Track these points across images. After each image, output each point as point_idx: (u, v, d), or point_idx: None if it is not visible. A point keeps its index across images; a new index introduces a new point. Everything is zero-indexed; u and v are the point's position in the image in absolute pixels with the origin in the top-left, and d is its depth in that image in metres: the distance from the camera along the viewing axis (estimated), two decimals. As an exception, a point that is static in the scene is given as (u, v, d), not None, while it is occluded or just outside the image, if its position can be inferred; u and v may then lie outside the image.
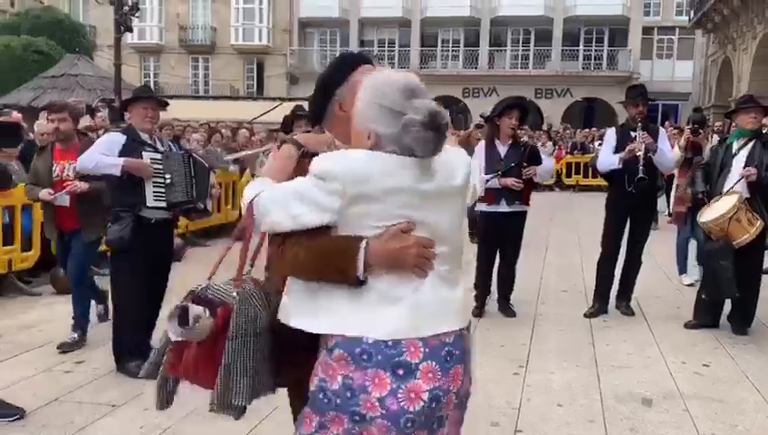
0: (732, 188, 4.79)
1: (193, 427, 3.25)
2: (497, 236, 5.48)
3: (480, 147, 5.57)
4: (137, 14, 15.17)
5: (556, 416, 3.52)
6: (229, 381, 1.71)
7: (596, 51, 31.41)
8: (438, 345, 1.66)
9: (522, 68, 31.76)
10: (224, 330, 1.71)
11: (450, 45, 32.60)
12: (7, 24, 24.05)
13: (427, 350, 1.64)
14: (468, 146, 9.44)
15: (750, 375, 4.16)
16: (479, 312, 5.45)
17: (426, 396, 1.62)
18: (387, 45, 32.92)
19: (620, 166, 5.24)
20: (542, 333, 5.04)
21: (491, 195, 5.33)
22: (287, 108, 19.51)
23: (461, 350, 1.70)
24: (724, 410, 3.64)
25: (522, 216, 5.48)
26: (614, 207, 5.48)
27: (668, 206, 8.57)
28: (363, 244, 1.60)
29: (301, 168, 1.75)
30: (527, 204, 5.47)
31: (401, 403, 1.60)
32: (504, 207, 5.34)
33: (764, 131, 5.30)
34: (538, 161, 5.44)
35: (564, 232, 9.55)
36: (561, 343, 4.80)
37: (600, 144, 10.44)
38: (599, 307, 5.46)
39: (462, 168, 1.74)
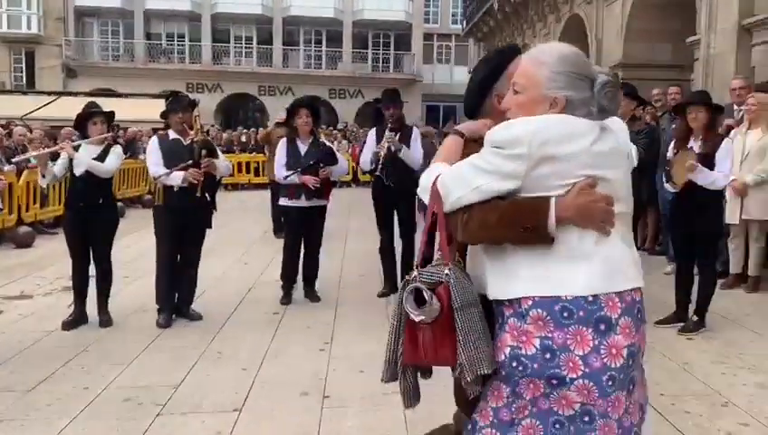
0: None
1: None
2: (300, 229, 5.83)
3: (282, 144, 5.88)
4: None
5: (359, 380, 3.96)
6: (470, 350, 1.71)
7: (384, 54, 33.24)
8: (631, 301, 1.70)
9: (315, 68, 32.55)
10: (449, 306, 1.73)
11: (243, 42, 32.34)
12: None
13: (623, 305, 1.67)
14: (269, 144, 9.73)
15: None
16: (287, 300, 5.78)
17: (625, 352, 1.65)
18: (176, 39, 31.69)
19: (373, 165, 5.90)
20: (343, 313, 5.50)
21: (292, 190, 5.68)
22: (66, 103, 17.94)
23: (640, 308, 1.74)
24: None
25: (321, 209, 5.87)
26: (377, 200, 6.08)
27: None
28: (553, 199, 1.66)
29: (468, 150, 1.85)
30: (327, 199, 5.89)
31: (604, 359, 1.63)
32: (303, 202, 5.70)
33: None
34: (334, 161, 5.85)
35: (361, 223, 10.22)
36: (361, 320, 5.29)
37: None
38: (389, 288, 6.06)
39: (621, 133, 1.83)
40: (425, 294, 1.73)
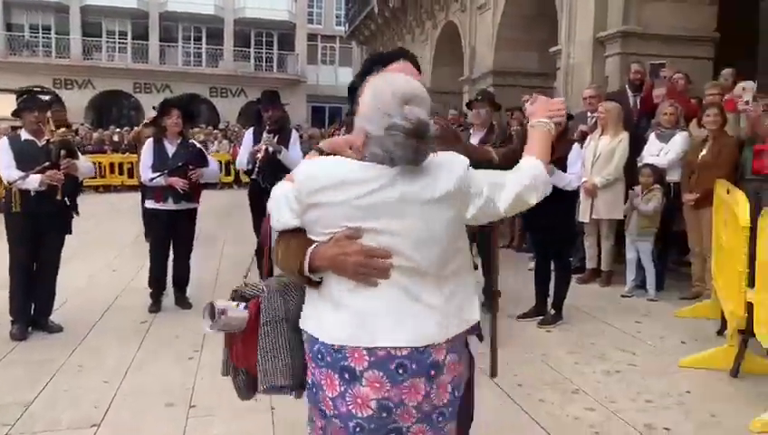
0: None
1: None
2: (167, 233, 5.63)
3: (148, 144, 5.67)
4: None
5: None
6: (267, 361, 1.83)
7: (267, 53, 32.78)
8: (386, 357, 1.63)
9: (195, 65, 31.54)
10: (256, 320, 1.85)
11: (117, 37, 30.76)
12: None
13: (372, 359, 1.63)
14: (140, 144, 9.32)
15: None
16: (156, 308, 5.57)
17: (374, 404, 1.63)
18: (41, 31, 29.62)
19: (249, 166, 5.88)
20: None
21: (158, 192, 5.49)
22: None
23: (421, 364, 1.64)
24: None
25: (191, 213, 5.69)
26: (254, 202, 6.02)
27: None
28: (312, 247, 1.68)
29: None
30: (197, 201, 5.73)
31: (350, 407, 1.65)
32: (171, 205, 5.51)
33: None
34: (204, 163, 5.67)
35: (241, 226, 10.02)
36: (234, 326, 5.20)
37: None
38: None
39: (449, 178, 1.63)
40: (216, 309, 1.83)
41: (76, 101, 27.66)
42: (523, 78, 11.70)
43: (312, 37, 34.18)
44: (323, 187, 1.64)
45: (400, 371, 1.63)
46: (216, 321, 1.84)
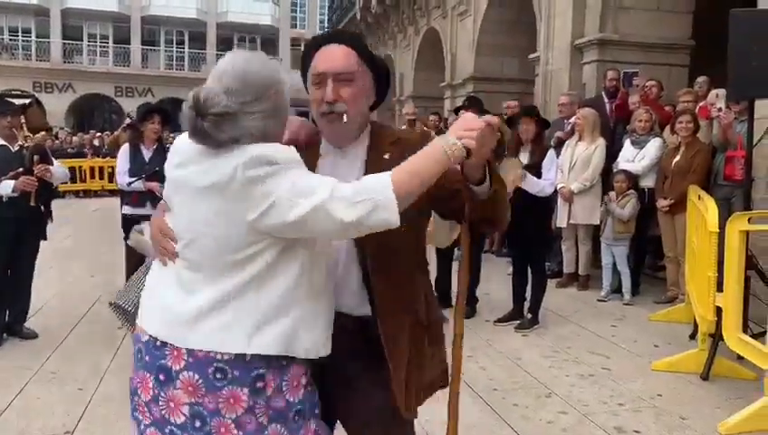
0: None
1: None
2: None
3: (124, 150, 5.65)
4: None
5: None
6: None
7: (250, 57, 32.70)
8: (138, 339, 1.62)
9: (177, 69, 31.40)
10: None
11: (98, 40, 30.54)
12: None
13: (141, 341, 1.61)
14: (118, 148, 9.28)
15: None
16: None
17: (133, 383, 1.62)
18: (21, 34, 29.34)
19: None
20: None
21: (135, 198, 5.48)
22: None
23: (153, 359, 1.55)
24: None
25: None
26: None
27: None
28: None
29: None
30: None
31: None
32: (149, 210, 5.48)
33: None
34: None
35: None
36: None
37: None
38: None
39: (225, 165, 1.46)
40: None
41: (57, 105, 27.41)
42: (503, 84, 11.79)
43: (295, 41, 34.18)
44: (171, 156, 1.63)
45: (138, 355, 1.61)
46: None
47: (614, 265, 6.32)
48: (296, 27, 34.93)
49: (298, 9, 35.51)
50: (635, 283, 6.38)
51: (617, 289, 6.35)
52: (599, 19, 8.23)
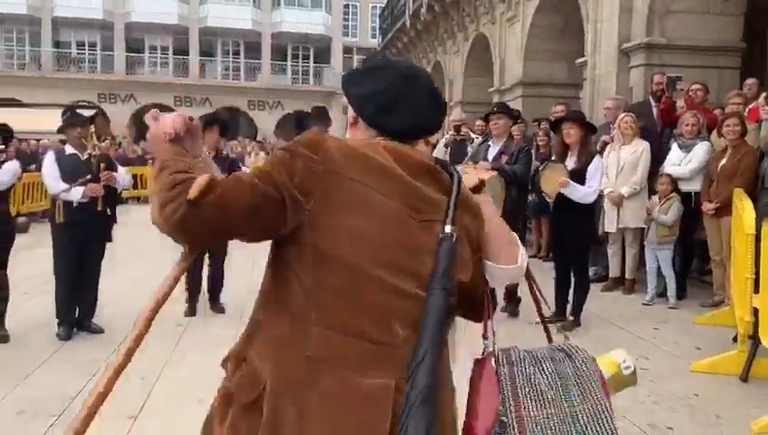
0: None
1: None
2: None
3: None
4: None
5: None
6: None
7: (303, 66, 33.42)
8: None
9: (233, 79, 32.34)
10: None
11: (159, 52, 31.75)
12: None
13: None
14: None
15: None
16: (191, 312, 5.90)
17: None
18: (87, 48, 30.76)
19: None
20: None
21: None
22: None
23: None
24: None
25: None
26: None
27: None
28: None
29: None
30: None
31: None
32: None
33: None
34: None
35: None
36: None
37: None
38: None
39: None
40: None
41: (120, 115, 28.69)
42: (552, 88, 11.80)
43: (347, 50, 34.72)
44: None
45: None
46: None
47: (659, 268, 6.32)
48: (348, 35, 35.49)
49: (350, 18, 36.06)
50: (681, 286, 6.37)
51: (662, 293, 6.35)
52: (645, 23, 8.21)
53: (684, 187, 6.31)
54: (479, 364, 1.55)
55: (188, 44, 31.53)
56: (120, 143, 19.28)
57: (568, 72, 11.71)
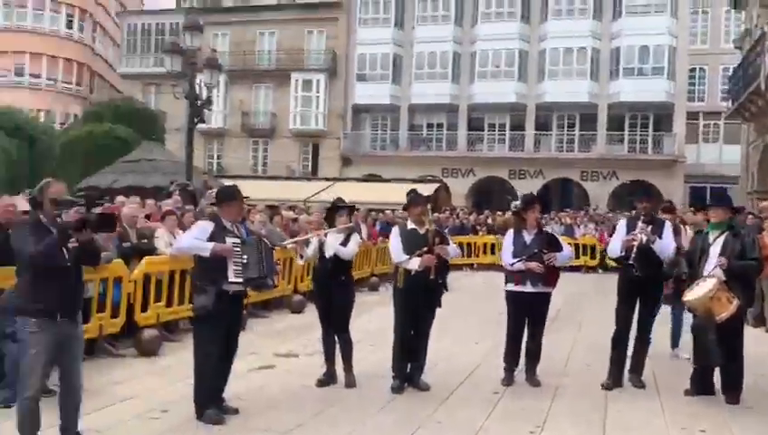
0: (711, 272, 5.54)
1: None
2: (523, 313, 6.17)
3: (509, 234, 6.36)
4: (210, 108, 16.25)
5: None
6: None
7: (641, 135, 32.07)
8: None
9: (567, 151, 32.57)
10: None
11: (497, 130, 33.78)
12: (92, 112, 26.51)
13: None
14: (505, 229, 10.23)
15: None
16: (508, 381, 6.11)
17: None
18: (435, 129, 34.31)
19: (623, 253, 5.98)
20: (560, 400, 5.65)
21: (517, 276, 6.08)
22: (340, 187, 21.18)
23: None
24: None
25: (545, 296, 6.16)
26: (622, 289, 6.14)
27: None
28: None
29: None
30: (552, 286, 6.16)
31: None
32: (529, 288, 6.05)
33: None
34: (558, 248, 6.16)
35: (600, 310, 10.06)
36: (576, 410, 5.39)
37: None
38: (614, 380, 6.02)
39: None
40: None
41: (459, 188, 31.19)
42: None
43: (691, 115, 32.29)
44: None
45: None
46: None
47: None
48: (693, 100, 33.03)
49: (696, 81, 33.61)
50: None
51: None
52: None
53: None
54: None
55: (525, 120, 32.90)
56: (458, 214, 20.88)
57: None
